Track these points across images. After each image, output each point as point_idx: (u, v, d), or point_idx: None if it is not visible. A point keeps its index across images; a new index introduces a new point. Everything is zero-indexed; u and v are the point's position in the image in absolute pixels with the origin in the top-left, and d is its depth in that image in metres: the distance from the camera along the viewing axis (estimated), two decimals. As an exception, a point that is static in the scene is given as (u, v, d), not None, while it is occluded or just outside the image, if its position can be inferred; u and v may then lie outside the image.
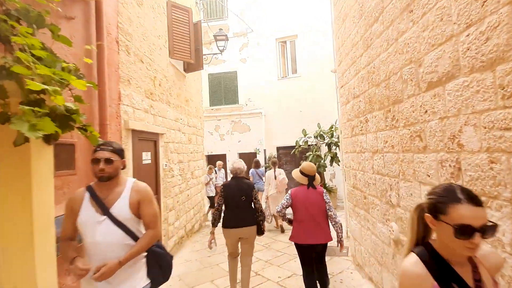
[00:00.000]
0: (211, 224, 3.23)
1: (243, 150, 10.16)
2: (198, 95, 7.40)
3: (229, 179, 3.56)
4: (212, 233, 3.20)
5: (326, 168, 7.92)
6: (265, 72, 10.11)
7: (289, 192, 3.01)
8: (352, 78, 3.71)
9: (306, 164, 3.05)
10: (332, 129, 7.94)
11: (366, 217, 3.47)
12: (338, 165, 8.02)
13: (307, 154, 7.81)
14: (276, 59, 10.11)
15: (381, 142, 2.89)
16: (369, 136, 3.23)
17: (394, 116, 2.58)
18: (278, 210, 2.97)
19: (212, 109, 10.30)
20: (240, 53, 10.34)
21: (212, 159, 10.61)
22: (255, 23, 10.16)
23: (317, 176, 3.08)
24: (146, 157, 4.02)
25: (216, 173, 8.00)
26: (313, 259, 2.95)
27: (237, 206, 3.15)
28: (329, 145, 7.77)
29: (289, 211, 3.01)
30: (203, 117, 7.81)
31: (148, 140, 4.11)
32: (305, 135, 8.12)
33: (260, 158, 9.88)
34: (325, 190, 3.05)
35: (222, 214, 3.22)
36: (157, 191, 4.34)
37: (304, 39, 9.78)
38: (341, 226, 2.91)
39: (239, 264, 3.34)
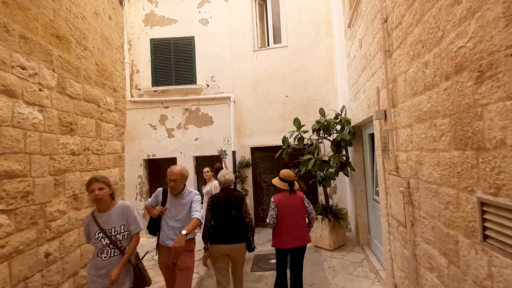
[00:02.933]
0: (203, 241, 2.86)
1: (202, 152, 6.73)
2: (109, 46, 3.86)
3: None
4: (206, 248, 2.85)
5: (332, 181, 4.80)
6: (235, 40, 6.84)
7: (272, 199, 2.96)
8: None
9: (284, 171, 3.04)
10: (339, 118, 4.90)
11: None
12: (347, 175, 4.95)
13: (304, 157, 4.60)
14: (252, 22, 6.90)
15: None
16: None
17: None
18: (271, 222, 2.89)
19: (155, 91, 6.76)
20: (199, 11, 6.95)
21: (155, 166, 7.02)
22: (222, -30, 6.88)
23: (296, 182, 3.06)
24: None
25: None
26: (288, 262, 3.02)
27: (226, 221, 2.79)
28: (337, 144, 4.68)
29: None
30: (122, 91, 4.28)
31: None
32: (299, 128, 4.93)
33: (228, 164, 6.51)
34: (304, 195, 3.08)
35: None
36: None
37: (292, -6, 6.71)
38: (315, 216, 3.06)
39: None
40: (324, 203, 5.06)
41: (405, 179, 2.43)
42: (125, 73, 4.32)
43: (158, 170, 6.98)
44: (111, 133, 3.76)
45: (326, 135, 4.71)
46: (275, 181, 3.04)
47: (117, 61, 4.07)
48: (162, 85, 6.81)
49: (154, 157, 6.77)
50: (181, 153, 6.75)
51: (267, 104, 6.65)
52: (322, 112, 4.79)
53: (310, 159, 4.41)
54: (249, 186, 6.58)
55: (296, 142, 5.03)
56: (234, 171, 6.50)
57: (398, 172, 2.65)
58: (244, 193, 6.49)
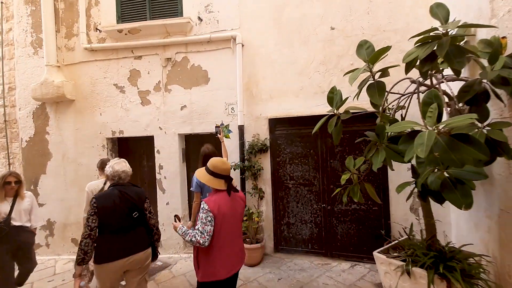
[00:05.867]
0: (77, 264, 1.99)
1: (193, 129, 4.19)
2: None
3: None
4: (79, 275, 2.01)
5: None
6: None
7: (205, 206, 1.82)
8: None
9: (216, 160, 1.96)
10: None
11: None
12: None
13: (394, 128, 1.72)
14: None
15: None
16: None
17: None
18: (207, 243, 1.77)
19: (121, 32, 4.27)
20: None
21: (126, 147, 4.67)
22: None
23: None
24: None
25: None
26: None
27: (124, 227, 2.10)
28: (476, 98, 1.80)
29: None
30: None
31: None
32: (373, 61, 2.05)
33: (231, 148, 3.94)
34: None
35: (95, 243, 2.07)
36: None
37: None
38: None
39: None
40: (425, 238, 2.20)
41: None
42: None
43: (128, 152, 4.61)
44: None
45: (453, 68, 1.76)
46: (202, 175, 1.92)
47: None
48: (132, 21, 4.29)
49: (121, 135, 4.38)
50: (160, 129, 4.26)
51: (298, 45, 3.82)
52: (441, 9, 1.82)
53: (414, 134, 1.56)
54: (266, 184, 3.92)
55: (358, 101, 2.19)
56: (242, 160, 3.88)
57: None
58: (258, 194, 3.86)
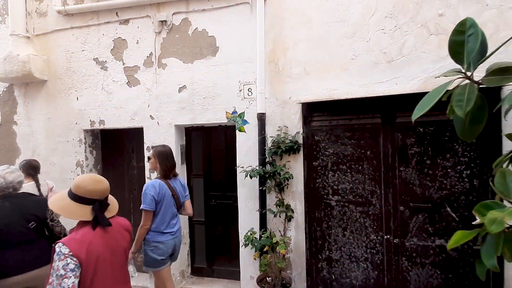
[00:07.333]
0: None
1: (194, 118, 3.03)
2: None
3: None
4: None
5: None
6: None
7: (63, 249, 1.22)
8: None
9: (84, 177, 1.40)
10: None
11: None
12: None
13: None
14: None
15: None
16: None
17: None
18: None
19: (104, -11, 3.21)
20: None
21: (109, 144, 3.61)
22: None
23: (112, 199, 1.46)
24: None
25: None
26: None
27: (21, 240, 1.94)
28: None
29: None
30: None
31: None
32: None
33: (247, 140, 2.75)
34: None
35: None
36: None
37: None
38: None
39: None
40: None
41: None
42: None
43: (112, 149, 3.56)
44: None
45: None
46: (60, 203, 1.35)
47: None
48: (115, -27, 3.19)
49: (102, 126, 3.32)
50: (152, 118, 3.15)
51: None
52: None
53: None
54: (296, 200, 2.69)
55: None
56: (262, 163, 2.68)
57: None
58: (285, 214, 2.64)
